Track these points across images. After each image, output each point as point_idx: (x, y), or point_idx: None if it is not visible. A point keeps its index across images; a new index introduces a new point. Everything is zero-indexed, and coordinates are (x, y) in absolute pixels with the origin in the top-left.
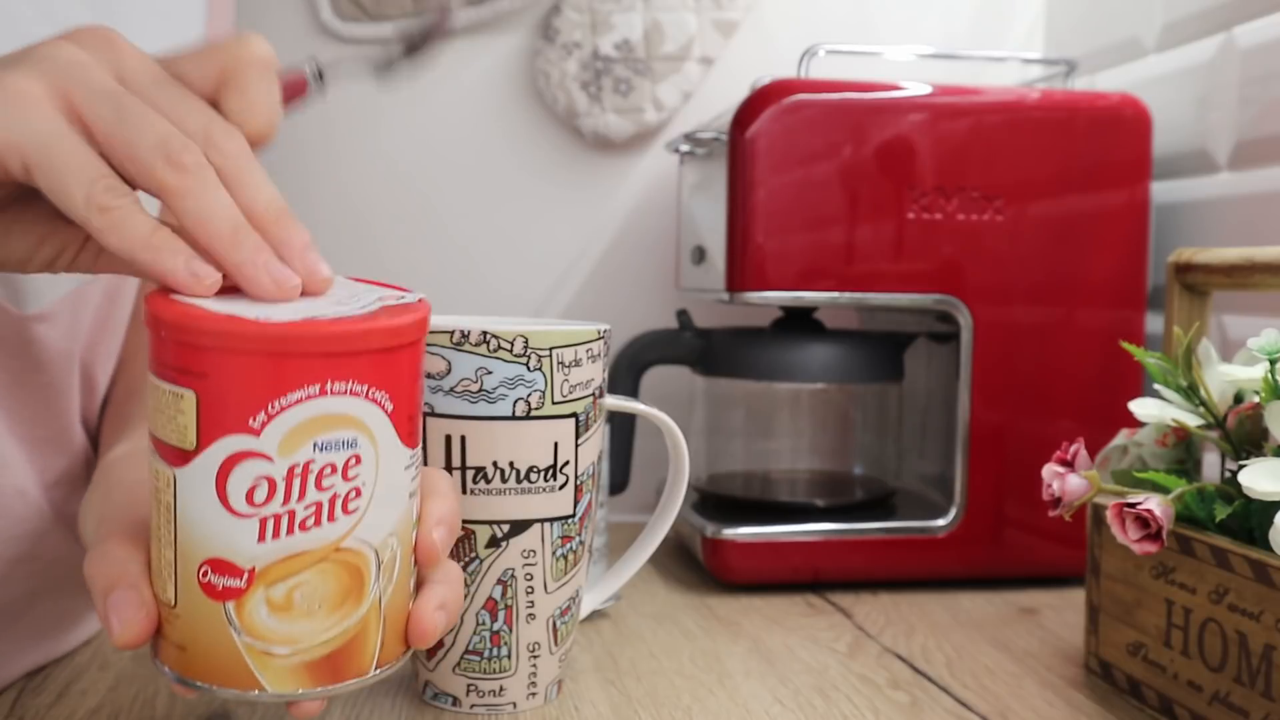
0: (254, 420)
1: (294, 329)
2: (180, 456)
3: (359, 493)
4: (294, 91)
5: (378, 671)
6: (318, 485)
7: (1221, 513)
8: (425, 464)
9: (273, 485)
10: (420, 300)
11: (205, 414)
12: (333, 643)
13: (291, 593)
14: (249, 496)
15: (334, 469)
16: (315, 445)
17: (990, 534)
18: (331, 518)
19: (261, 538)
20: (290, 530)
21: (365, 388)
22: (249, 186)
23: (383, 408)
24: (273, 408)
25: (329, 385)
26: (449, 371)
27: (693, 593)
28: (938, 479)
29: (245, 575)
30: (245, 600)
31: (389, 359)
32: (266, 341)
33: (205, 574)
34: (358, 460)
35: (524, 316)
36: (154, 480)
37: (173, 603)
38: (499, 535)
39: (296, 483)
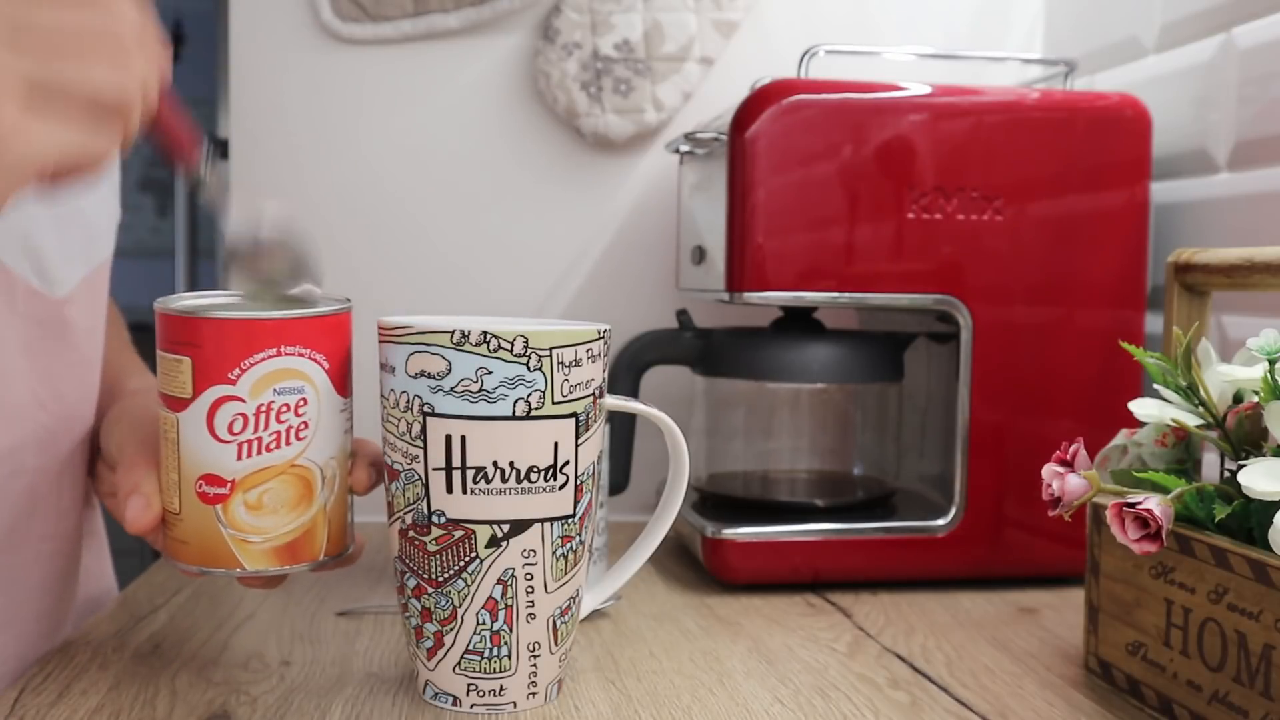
0: (232, 374)
1: (257, 316)
2: (180, 404)
3: (307, 425)
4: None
5: (326, 559)
6: (277, 419)
7: (1221, 512)
8: (425, 462)
9: (246, 419)
10: (348, 302)
11: (198, 372)
12: (293, 533)
13: (262, 496)
14: (229, 428)
15: (288, 408)
16: (275, 390)
17: (990, 534)
18: (288, 442)
19: (239, 457)
20: (259, 451)
21: (308, 351)
22: None
23: (321, 365)
24: (244, 364)
25: (282, 349)
26: (449, 371)
27: (693, 593)
28: (938, 479)
29: (229, 485)
30: (229, 503)
31: (322, 333)
32: (239, 321)
33: (200, 486)
34: (305, 402)
35: (524, 316)
36: (162, 424)
37: (178, 510)
38: (499, 535)
39: (263, 417)
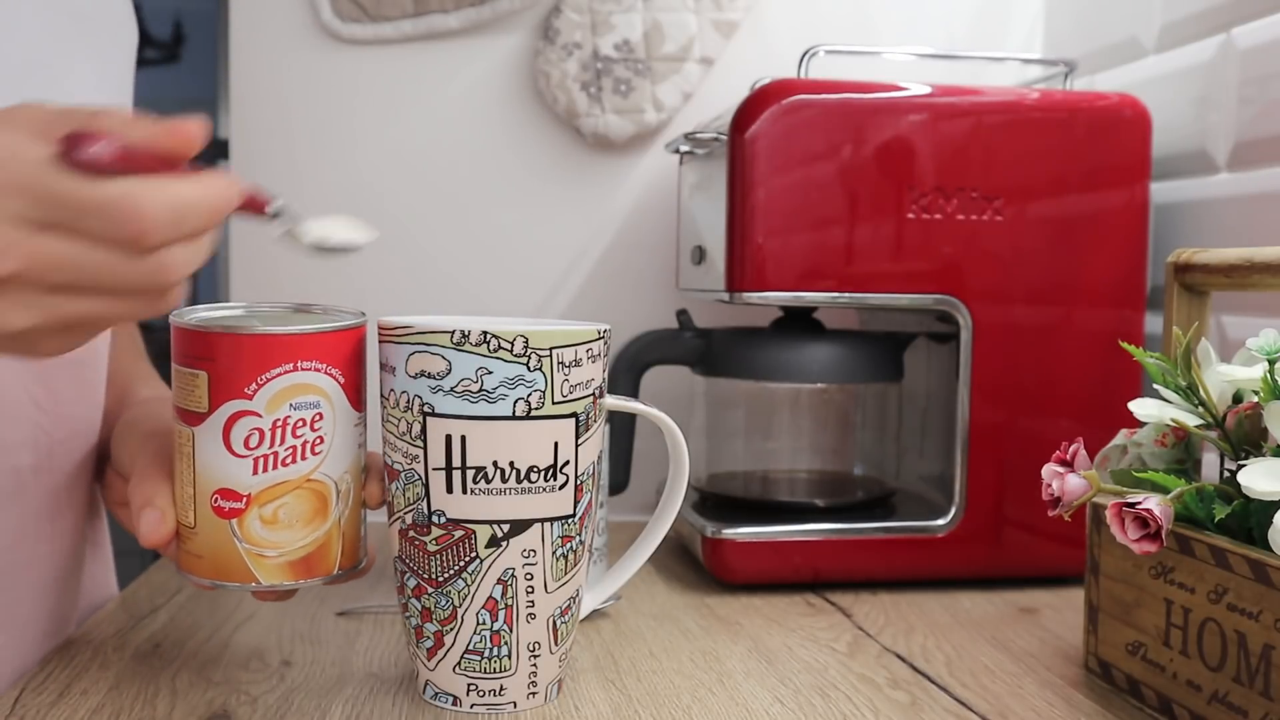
0: (248, 389)
1: (274, 332)
2: (196, 418)
3: (322, 440)
4: (251, 207)
5: (340, 572)
6: (293, 434)
7: (1221, 512)
8: (425, 462)
9: (262, 434)
10: (363, 316)
11: (214, 387)
12: (308, 548)
13: (277, 511)
14: (245, 442)
15: (304, 422)
16: (291, 405)
17: (990, 534)
18: (304, 457)
19: (255, 472)
20: (275, 466)
21: (324, 366)
22: None
23: (337, 380)
24: (261, 379)
25: (299, 364)
26: (449, 371)
27: (693, 593)
28: (938, 479)
29: (244, 500)
30: (244, 518)
31: (337, 347)
32: (256, 337)
33: (215, 500)
34: (320, 417)
35: (524, 317)
36: (177, 438)
37: (193, 524)
38: (499, 535)
39: (279, 432)
